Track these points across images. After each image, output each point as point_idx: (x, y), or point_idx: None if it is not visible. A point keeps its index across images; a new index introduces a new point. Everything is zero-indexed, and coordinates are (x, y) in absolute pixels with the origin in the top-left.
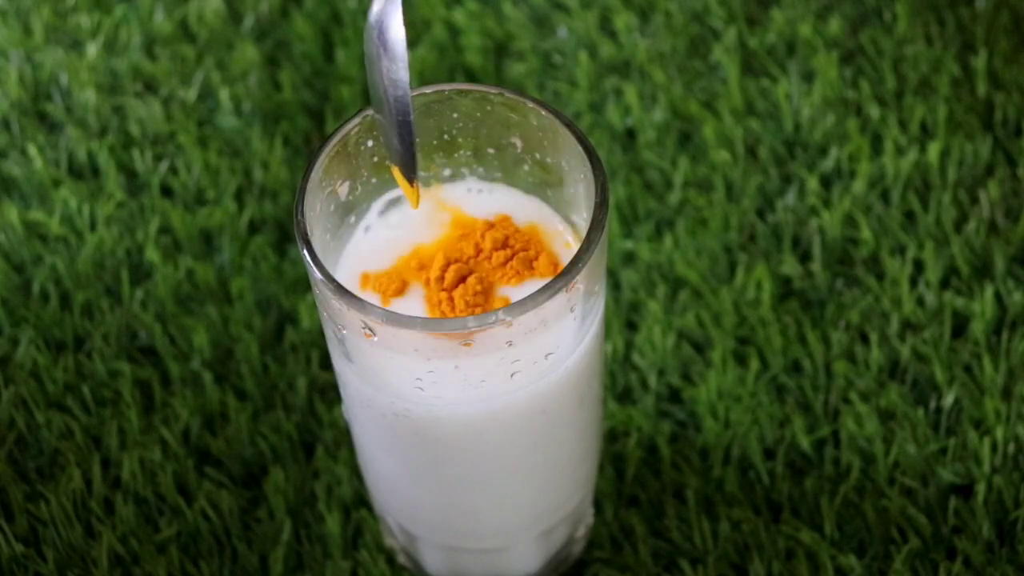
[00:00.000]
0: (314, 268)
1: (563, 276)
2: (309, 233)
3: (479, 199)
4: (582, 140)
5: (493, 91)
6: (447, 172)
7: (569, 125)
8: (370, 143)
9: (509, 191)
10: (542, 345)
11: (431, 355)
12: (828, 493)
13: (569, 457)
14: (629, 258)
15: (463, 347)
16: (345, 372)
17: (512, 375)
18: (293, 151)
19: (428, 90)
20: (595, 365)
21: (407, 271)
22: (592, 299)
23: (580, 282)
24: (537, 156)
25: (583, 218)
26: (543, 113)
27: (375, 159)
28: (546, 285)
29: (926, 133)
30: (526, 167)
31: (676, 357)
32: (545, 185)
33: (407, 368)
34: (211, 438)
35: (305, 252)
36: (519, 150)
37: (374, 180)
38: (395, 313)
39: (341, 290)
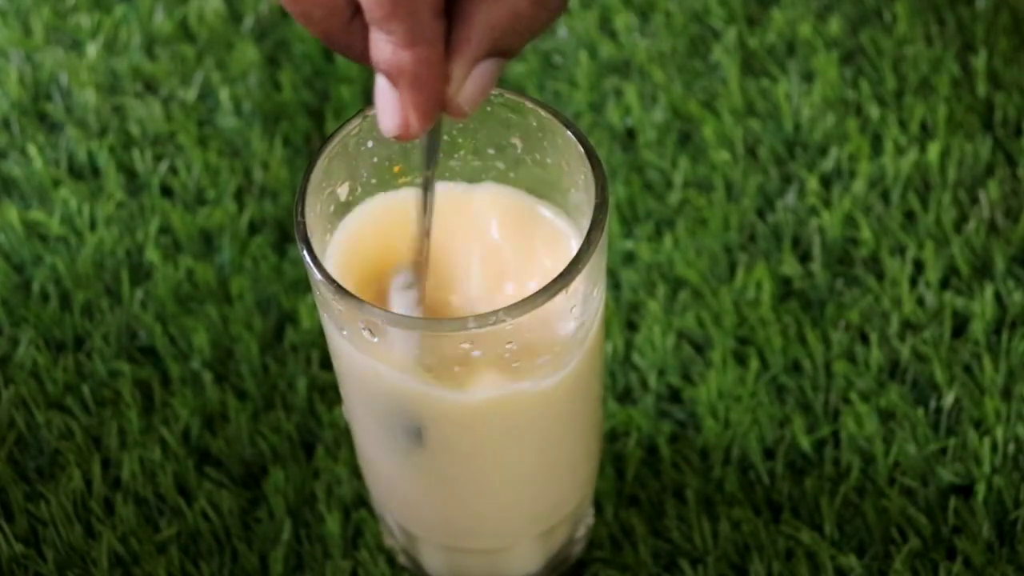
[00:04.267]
0: (315, 269)
1: (563, 276)
2: (310, 234)
3: (479, 199)
4: (582, 140)
5: (493, 91)
6: (447, 172)
7: (569, 125)
8: (370, 143)
9: (509, 191)
10: (542, 345)
11: (431, 355)
12: (828, 493)
13: (569, 457)
14: (629, 258)
15: (463, 347)
16: (345, 372)
17: (512, 375)
18: (293, 151)
19: None
20: (595, 365)
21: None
22: (592, 299)
23: (580, 282)
24: (537, 156)
25: (583, 218)
26: (543, 113)
27: (375, 160)
28: (546, 286)
29: (926, 133)
30: (526, 167)
31: (676, 357)
32: (545, 185)
33: (408, 368)
34: (211, 438)
35: (305, 253)
36: (519, 150)
37: (374, 181)
38: (396, 314)
39: (341, 291)
